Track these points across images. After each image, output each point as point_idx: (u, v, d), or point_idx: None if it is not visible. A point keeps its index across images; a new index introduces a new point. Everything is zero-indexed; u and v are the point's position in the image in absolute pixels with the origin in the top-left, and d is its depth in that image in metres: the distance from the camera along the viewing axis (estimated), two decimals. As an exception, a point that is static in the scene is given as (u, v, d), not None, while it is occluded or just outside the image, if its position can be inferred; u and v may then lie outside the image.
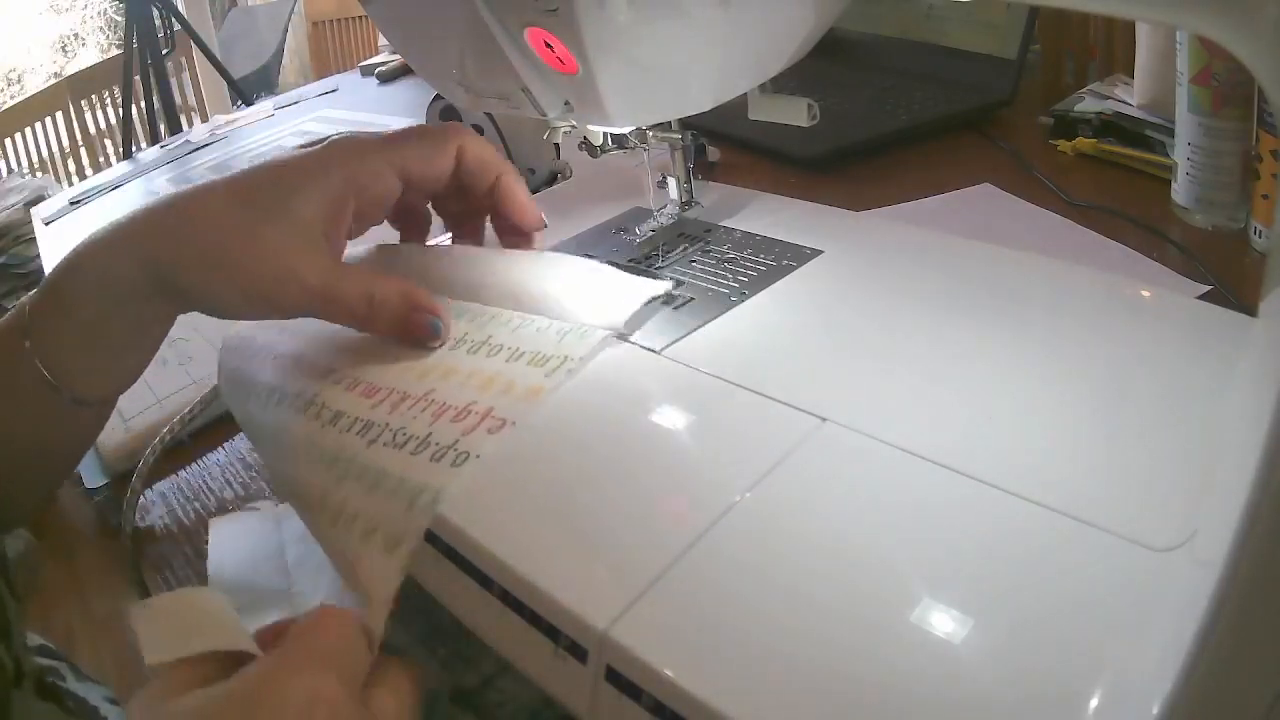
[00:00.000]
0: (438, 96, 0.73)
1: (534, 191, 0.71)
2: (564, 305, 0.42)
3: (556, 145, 0.71)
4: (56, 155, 2.35)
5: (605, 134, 0.49)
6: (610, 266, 0.44)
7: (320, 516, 0.36)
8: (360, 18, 2.93)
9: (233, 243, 0.35)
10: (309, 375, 0.41)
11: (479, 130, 0.70)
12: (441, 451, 0.35)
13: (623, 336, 0.41)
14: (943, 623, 0.26)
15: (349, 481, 0.36)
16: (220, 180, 0.38)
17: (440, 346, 0.40)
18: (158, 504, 0.56)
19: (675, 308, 0.44)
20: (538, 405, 0.37)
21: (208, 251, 0.36)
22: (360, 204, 0.39)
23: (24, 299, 0.38)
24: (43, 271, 1.03)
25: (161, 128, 2.02)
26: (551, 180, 0.72)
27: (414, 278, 0.43)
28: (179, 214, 0.36)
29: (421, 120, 0.76)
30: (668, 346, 0.41)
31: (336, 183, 0.38)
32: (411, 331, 0.39)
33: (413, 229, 0.47)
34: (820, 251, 0.47)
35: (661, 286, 0.43)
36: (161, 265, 0.36)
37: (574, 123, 0.46)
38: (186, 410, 0.56)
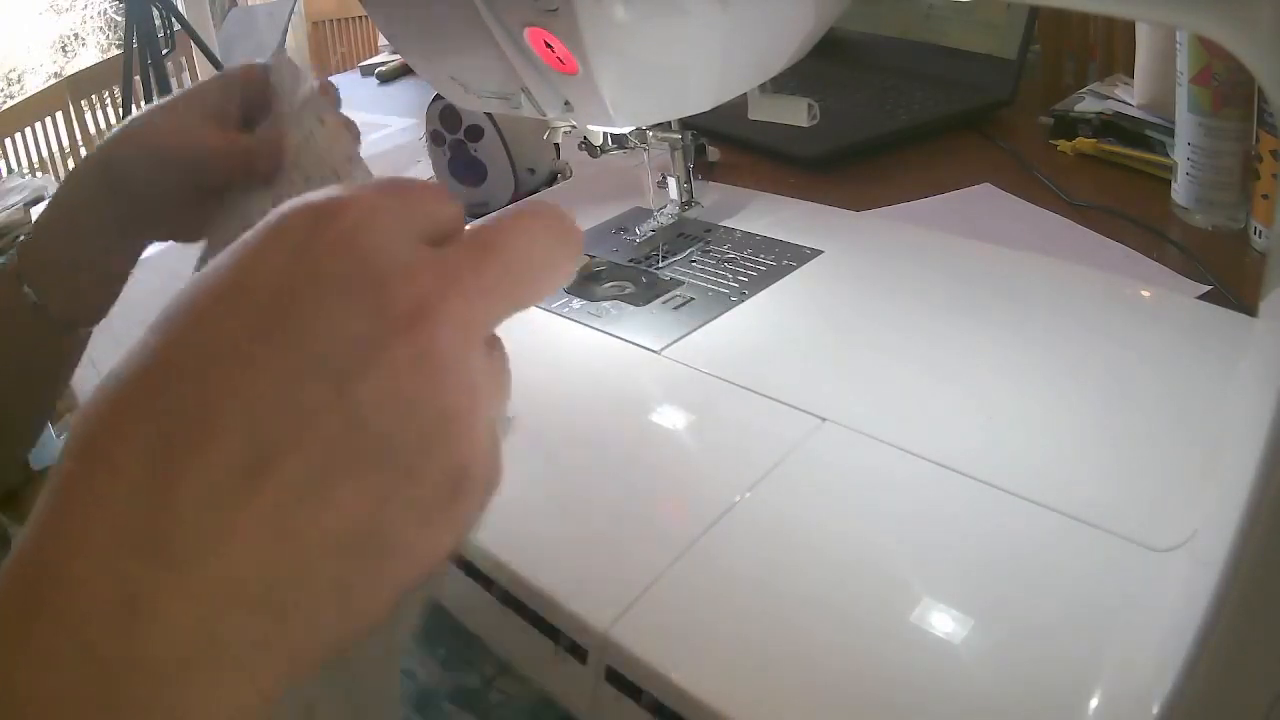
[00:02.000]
0: (438, 96, 0.73)
1: (533, 192, 0.71)
2: None
3: (556, 145, 0.71)
4: (56, 155, 2.35)
5: (605, 134, 0.49)
6: None
7: None
8: (360, 18, 2.93)
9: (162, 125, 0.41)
10: None
11: (478, 130, 0.70)
12: None
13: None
14: (943, 622, 0.26)
15: None
16: None
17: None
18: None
19: (675, 308, 0.44)
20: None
21: (142, 135, 0.41)
22: (246, 94, 0.43)
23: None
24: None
25: (162, 128, 2.02)
26: (552, 180, 0.72)
27: None
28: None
29: (421, 121, 0.76)
30: (668, 346, 0.41)
31: (232, 71, 0.43)
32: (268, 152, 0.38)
33: None
34: (820, 251, 0.47)
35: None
36: (111, 150, 0.42)
37: (574, 123, 0.46)
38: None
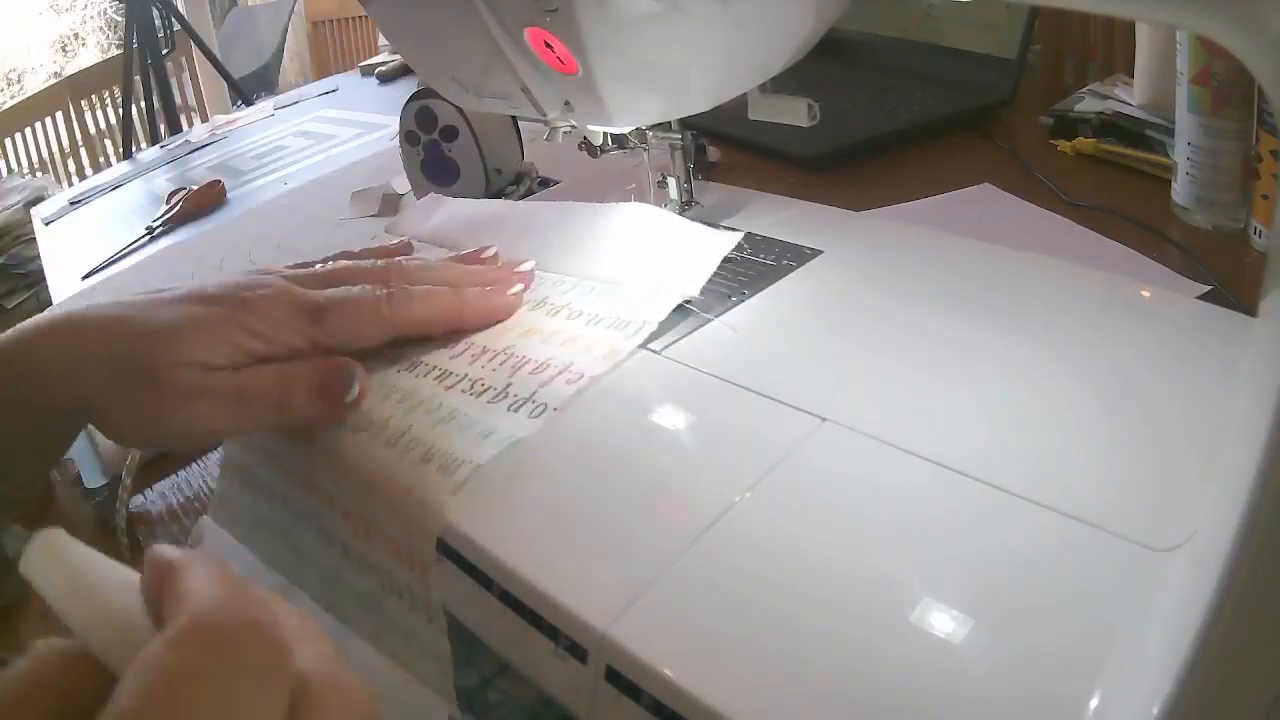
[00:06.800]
0: (414, 96, 0.73)
1: (500, 190, 0.71)
2: (642, 270, 0.44)
3: (521, 146, 0.71)
4: (56, 155, 2.35)
5: (605, 134, 0.49)
6: (682, 220, 0.47)
7: (378, 437, 0.38)
8: (360, 18, 2.93)
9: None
10: None
11: (453, 131, 0.69)
12: (519, 403, 0.37)
13: (691, 302, 0.43)
14: (942, 622, 0.26)
15: (418, 414, 0.38)
16: None
17: (355, 398, 0.39)
18: (157, 504, 0.56)
19: (675, 308, 0.44)
20: (616, 366, 0.39)
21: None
22: None
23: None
24: (43, 271, 1.03)
25: (161, 128, 2.03)
26: (518, 180, 0.72)
27: (492, 235, 0.47)
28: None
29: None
30: (668, 347, 0.41)
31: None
32: (331, 386, 0.39)
33: None
34: (820, 251, 0.47)
35: (732, 240, 0.44)
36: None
37: (574, 123, 0.46)
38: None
